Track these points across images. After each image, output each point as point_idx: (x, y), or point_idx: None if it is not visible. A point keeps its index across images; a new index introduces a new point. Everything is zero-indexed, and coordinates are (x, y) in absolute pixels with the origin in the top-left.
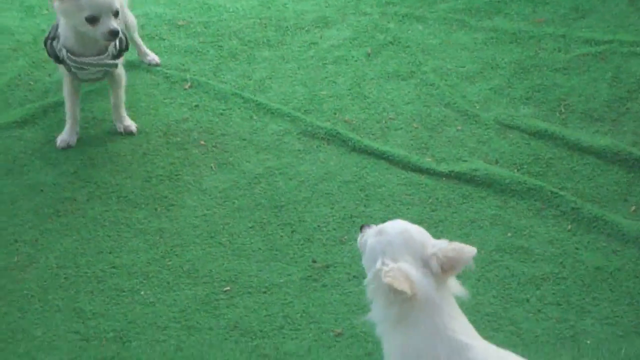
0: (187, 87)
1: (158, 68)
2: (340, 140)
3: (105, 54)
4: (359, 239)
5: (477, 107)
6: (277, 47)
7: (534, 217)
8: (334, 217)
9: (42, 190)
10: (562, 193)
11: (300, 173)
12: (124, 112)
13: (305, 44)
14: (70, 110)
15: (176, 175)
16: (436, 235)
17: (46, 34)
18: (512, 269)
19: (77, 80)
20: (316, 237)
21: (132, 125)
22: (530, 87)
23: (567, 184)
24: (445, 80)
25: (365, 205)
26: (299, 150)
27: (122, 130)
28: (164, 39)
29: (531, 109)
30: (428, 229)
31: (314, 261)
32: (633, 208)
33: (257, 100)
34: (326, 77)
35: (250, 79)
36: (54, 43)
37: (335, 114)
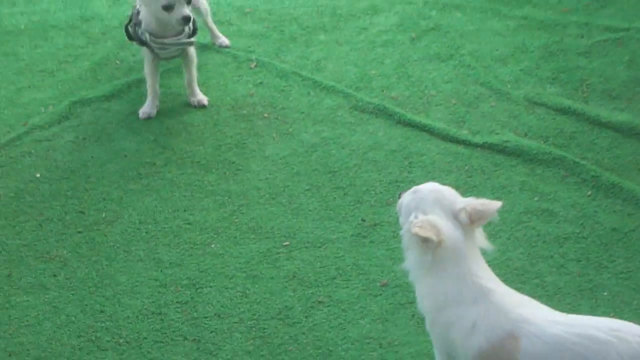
0: (252, 66)
1: (227, 50)
2: (387, 114)
3: (182, 34)
4: (397, 204)
5: (509, 86)
6: (332, 32)
7: (558, 183)
8: (381, 182)
9: (126, 156)
10: (583, 162)
11: (351, 143)
12: (196, 88)
13: (357, 29)
14: (151, 86)
15: (243, 143)
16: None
17: (126, 21)
18: (538, 229)
19: (158, 59)
20: (365, 199)
21: (204, 99)
22: (556, 69)
23: (587, 154)
24: (481, 62)
25: (408, 172)
26: (351, 122)
27: (195, 104)
28: (232, 24)
29: (556, 88)
30: (463, 193)
31: (363, 220)
32: None
33: (314, 79)
34: (375, 59)
35: (308, 60)
36: (137, 29)
37: (382, 91)
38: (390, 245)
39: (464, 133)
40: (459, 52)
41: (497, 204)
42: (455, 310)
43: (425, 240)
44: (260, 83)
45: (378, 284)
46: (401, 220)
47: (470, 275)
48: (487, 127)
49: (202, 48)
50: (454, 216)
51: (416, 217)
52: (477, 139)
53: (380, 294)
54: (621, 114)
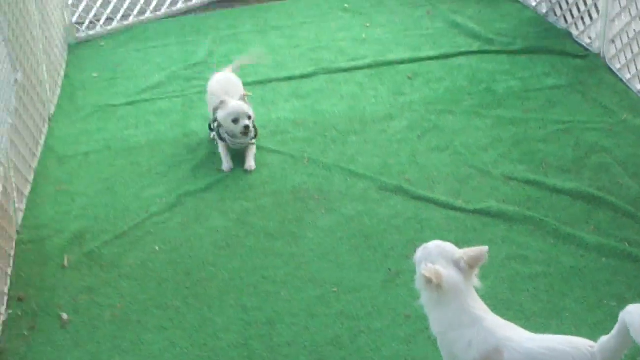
0: (305, 162)
1: (286, 151)
2: (404, 192)
3: (248, 137)
4: (414, 258)
5: (490, 167)
6: (361, 134)
7: (529, 236)
8: (401, 241)
9: (217, 231)
10: (546, 219)
11: (379, 214)
12: (251, 159)
13: (378, 131)
14: (226, 155)
15: (301, 218)
16: None
17: (210, 121)
18: (517, 270)
19: (230, 148)
20: (391, 254)
21: (252, 165)
22: (523, 153)
23: (549, 213)
24: (469, 150)
25: (421, 233)
26: (377, 199)
27: (247, 167)
28: (289, 132)
29: (524, 166)
30: (462, 246)
31: (390, 270)
32: (592, 227)
33: (349, 169)
34: (392, 152)
35: (344, 155)
36: (220, 129)
37: (399, 175)
38: (411, 287)
39: (459, 203)
40: (453, 144)
41: (485, 248)
42: (457, 333)
43: (429, 281)
44: (311, 174)
45: (403, 315)
46: (416, 269)
47: (468, 307)
48: (476, 197)
49: (269, 150)
50: (455, 264)
51: (425, 265)
52: (470, 207)
53: (406, 323)
54: (571, 183)
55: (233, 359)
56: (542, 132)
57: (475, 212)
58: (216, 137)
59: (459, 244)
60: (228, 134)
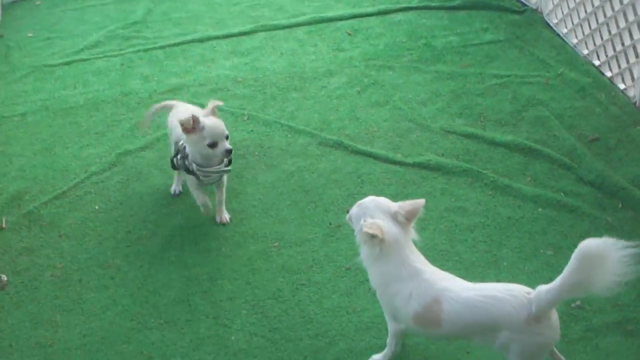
0: (245, 119)
1: (226, 108)
2: (343, 147)
3: (222, 164)
4: (347, 217)
5: (429, 121)
6: (301, 91)
7: (467, 188)
8: (341, 195)
9: (158, 189)
10: (484, 172)
11: (319, 169)
12: (224, 208)
13: (318, 88)
14: (199, 192)
15: (241, 174)
16: None
17: (171, 155)
18: (455, 221)
19: (202, 184)
20: (331, 208)
21: (227, 217)
22: (461, 107)
23: (487, 165)
24: (408, 105)
25: (360, 187)
26: (318, 154)
27: (218, 220)
28: (229, 90)
29: (462, 120)
30: (402, 199)
31: (330, 223)
32: (529, 179)
33: (289, 125)
34: (332, 108)
35: (284, 112)
36: (185, 161)
37: (339, 130)
38: (351, 240)
39: (399, 156)
40: (392, 99)
41: (422, 201)
42: (397, 285)
43: (372, 237)
44: (251, 131)
45: (343, 268)
46: (353, 227)
47: (407, 260)
48: (415, 151)
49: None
50: (392, 217)
51: (364, 220)
52: (409, 160)
53: (346, 276)
54: (509, 136)
55: (175, 315)
56: (480, 87)
57: (414, 165)
58: (181, 172)
59: (398, 197)
60: (200, 165)
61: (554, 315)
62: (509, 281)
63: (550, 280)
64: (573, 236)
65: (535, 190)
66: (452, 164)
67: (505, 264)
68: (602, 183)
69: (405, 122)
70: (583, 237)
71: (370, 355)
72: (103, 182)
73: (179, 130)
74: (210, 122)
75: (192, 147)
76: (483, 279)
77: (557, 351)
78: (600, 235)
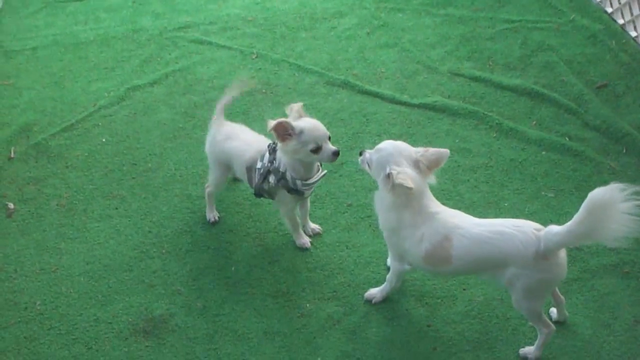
0: (253, 57)
1: (235, 46)
2: (350, 86)
3: (321, 170)
4: (360, 159)
5: (437, 63)
6: (310, 31)
7: (472, 129)
8: (347, 134)
9: (165, 124)
10: (490, 114)
11: (325, 107)
12: (308, 219)
13: (328, 28)
14: (296, 226)
15: (248, 111)
16: (412, 143)
17: (257, 183)
18: (459, 162)
19: (299, 200)
20: (336, 145)
21: (316, 227)
22: (470, 50)
23: (493, 108)
24: (416, 47)
25: (365, 126)
26: (324, 93)
27: (309, 232)
28: (239, 29)
29: (471, 63)
30: (406, 139)
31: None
32: (534, 122)
33: (297, 64)
34: (341, 48)
35: (293, 51)
36: (283, 182)
37: (347, 70)
38: (353, 177)
39: (405, 97)
40: (401, 41)
41: (446, 152)
42: (410, 230)
43: (405, 188)
44: (259, 69)
45: (345, 205)
46: (370, 171)
47: (425, 207)
48: (422, 92)
49: (218, 46)
50: (414, 164)
51: (392, 169)
52: (415, 101)
53: (347, 212)
54: (517, 80)
55: (177, 245)
56: (490, 31)
57: (420, 106)
58: (281, 195)
59: (403, 136)
60: (303, 178)
61: (562, 254)
62: None
63: (550, 222)
64: (575, 180)
65: (539, 134)
66: (458, 105)
67: (506, 204)
68: (607, 129)
69: (413, 64)
70: (586, 181)
71: (367, 289)
72: (111, 116)
73: (249, 153)
74: (308, 123)
75: (290, 158)
76: (485, 218)
77: (558, 291)
78: (603, 180)
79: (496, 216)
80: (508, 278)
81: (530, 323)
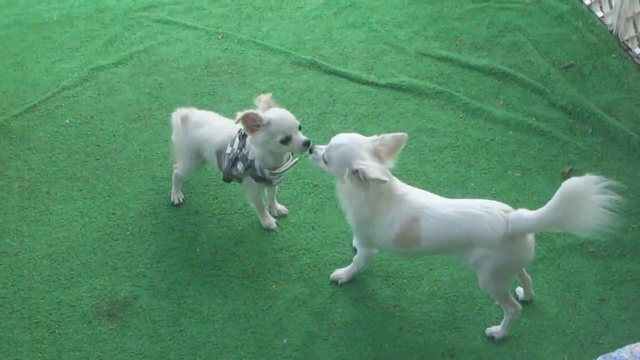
0: (220, 37)
1: (201, 26)
2: (317, 67)
3: (292, 159)
4: (312, 157)
5: (404, 43)
6: (277, 11)
7: (439, 109)
8: (313, 113)
9: (129, 105)
10: (457, 94)
11: (292, 87)
12: (275, 200)
13: (295, 8)
14: (262, 208)
15: (213, 91)
16: (379, 123)
17: (226, 168)
18: (425, 142)
19: (265, 187)
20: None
21: (283, 209)
22: (438, 30)
23: (460, 88)
24: (384, 27)
25: (332, 106)
26: (291, 73)
27: (275, 214)
28: (205, 9)
29: (438, 43)
30: (373, 118)
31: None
32: (501, 102)
33: (264, 44)
34: (308, 28)
35: (259, 31)
36: (250, 170)
37: (313, 50)
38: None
39: (372, 77)
40: (368, 21)
41: (404, 135)
42: (382, 217)
43: (379, 181)
44: (226, 49)
45: (311, 185)
46: (333, 169)
47: (393, 192)
48: (389, 72)
49: (184, 26)
50: (375, 154)
51: (359, 165)
52: (382, 81)
53: (313, 192)
54: (484, 60)
55: (141, 227)
56: (458, 11)
57: (386, 86)
58: (248, 181)
59: (370, 116)
60: (272, 167)
61: (530, 237)
62: None
63: (517, 202)
64: (542, 159)
65: (506, 114)
66: (425, 85)
67: (472, 184)
68: (573, 109)
69: (380, 44)
70: (552, 160)
71: (333, 269)
72: (74, 97)
73: (219, 138)
74: (276, 114)
75: (260, 148)
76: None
77: (525, 271)
78: (569, 160)
79: (463, 196)
80: (475, 259)
81: (497, 303)
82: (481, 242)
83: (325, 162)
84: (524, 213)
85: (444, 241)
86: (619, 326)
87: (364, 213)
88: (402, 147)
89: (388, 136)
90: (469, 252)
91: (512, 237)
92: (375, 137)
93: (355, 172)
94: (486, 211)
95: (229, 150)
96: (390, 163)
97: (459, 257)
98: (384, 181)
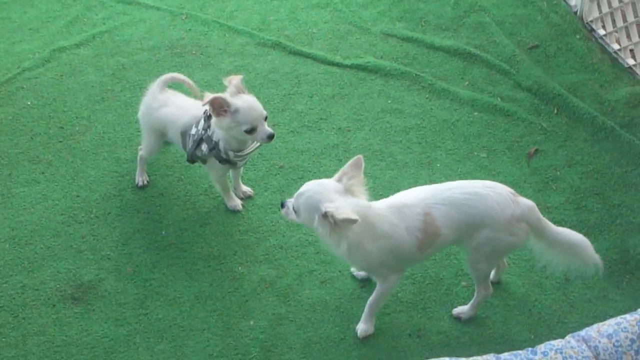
0: (183, 17)
1: (165, 6)
2: (282, 47)
3: (255, 142)
4: (283, 211)
5: (369, 24)
6: None
7: (405, 90)
8: (278, 94)
9: (92, 86)
10: (422, 75)
11: (256, 69)
12: (240, 182)
13: None
14: (227, 189)
15: (178, 71)
16: (344, 104)
17: (190, 149)
18: (391, 123)
19: (231, 168)
20: (267, 107)
21: (248, 190)
22: (402, 11)
23: (425, 69)
24: (349, 8)
25: (297, 87)
26: (256, 54)
27: (241, 195)
28: None
29: (403, 24)
30: (337, 100)
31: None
32: (466, 83)
33: (228, 24)
34: (272, 9)
35: (224, 12)
36: (215, 152)
37: (278, 31)
38: (285, 139)
39: (337, 58)
40: (333, 2)
41: (358, 158)
42: (389, 240)
43: (350, 221)
44: (189, 30)
45: (277, 166)
46: (303, 218)
47: (381, 216)
48: (354, 53)
49: (147, 6)
50: (346, 192)
51: (327, 207)
52: (347, 62)
53: (279, 174)
54: (449, 41)
55: (106, 209)
56: None
57: (352, 67)
58: (213, 163)
59: (335, 97)
60: (236, 150)
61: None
62: (443, 182)
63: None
64: (507, 140)
65: (472, 95)
66: (391, 66)
67: (438, 165)
68: (538, 89)
69: (345, 24)
70: (517, 141)
71: (300, 251)
72: (36, 78)
73: (184, 119)
74: (245, 103)
75: (225, 133)
76: (416, 179)
77: None
78: (534, 140)
79: (429, 177)
80: (478, 240)
81: (475, 283)
82: (491, 222)
83: (296, 212)
84: (538, 215)
85: (461, 225)
86: (584, 305)
87: (371, 253)
88: (363, 166)
89: (346, 167)
90: (477, 234)
91: (518, 218)
92: (337, 175)
93: (325, 216)
94: (491, 190)
95: (193, 131)
96: (365, 193)
97: (467, 242)
98: (354, 221)
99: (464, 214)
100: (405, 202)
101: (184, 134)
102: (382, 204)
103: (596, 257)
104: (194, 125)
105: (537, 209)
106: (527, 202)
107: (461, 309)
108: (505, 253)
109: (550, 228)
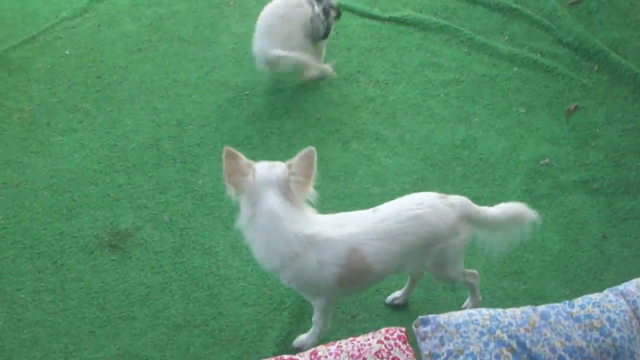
0: None
1: None
2: None
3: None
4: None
5: None
6: None
7: (444, 44)
8: None
9: (130, 36)
10: (462, 29)
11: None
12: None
13: None
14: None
15: (215, 23)
16: (383, 57)
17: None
18: (429, 77)
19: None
20: None
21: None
22: None
23: (465, 23)
24: None
25: (336, 39)
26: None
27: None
28: None
29: None
30: (376, 53)
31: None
32: (506, 38)
33: None
34: None
35: None
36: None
37: None
38: (323, 91)
39: (376, 11)
40: None
41: (310, 150)
42: (298, 262)
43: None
44: None
45: (314, 118)
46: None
47: (299, 230)
48: (393, 6)
49: None
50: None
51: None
52: (385, 15)
53: (316, 126)
54: None
55: (142, 158)
56: None
57: (390, 20)
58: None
59: (373, 50)
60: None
61: None
62: (480, 137)
63: (521, 138)
64: (547, 96)
65: (511, 50)
66: (429, 20)
67: (476, 119)
68: (579, 45)
69: None
70: (557, 97)
71: (347, 203)
72: (74, 28)
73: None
74: None
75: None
76: (454, 133)
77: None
78: (574, 97)
79: (466, 131)
80: (433, 259)
81: (457, 285)
82: (440, 237)
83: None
84: (473, 205)
85: (400, 256)
86: (621, 263)
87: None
88: (314, 161)
89: (295, 159)
90: (430, 252)
91: (459, 219)
92: (285, 164)
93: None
94: (428, 207)
95: (317, 9)
96: (307, 194)
97: (420, 263)
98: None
99: (402, 244)
100: (329, 235)
101: (313, 18)
102: (307, 226)
103: (532, 214)
104: (312, 7)
105: (469, 201)
106: (459, 199)
107: (466, 304)
108: (463, 251)
109: (488, 213)
